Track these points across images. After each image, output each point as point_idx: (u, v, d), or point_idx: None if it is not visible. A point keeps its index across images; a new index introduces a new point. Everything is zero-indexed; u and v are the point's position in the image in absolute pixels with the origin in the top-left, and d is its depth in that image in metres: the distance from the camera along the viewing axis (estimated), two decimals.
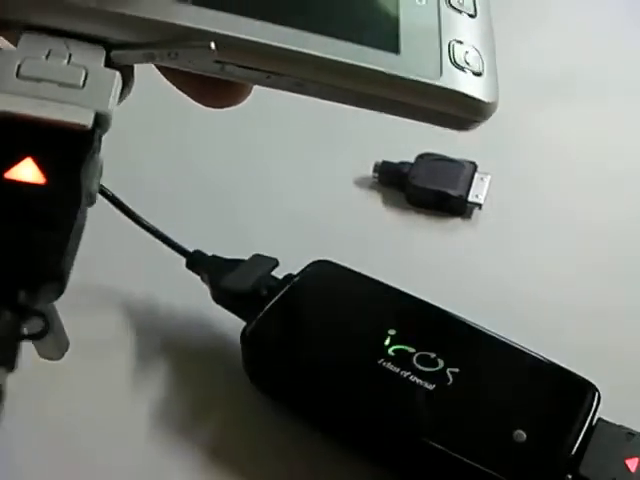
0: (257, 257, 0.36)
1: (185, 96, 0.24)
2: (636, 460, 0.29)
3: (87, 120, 0.18)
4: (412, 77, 0.22)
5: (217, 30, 0.20)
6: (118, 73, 0.19)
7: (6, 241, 0.17)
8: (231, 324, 0.36)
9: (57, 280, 0.17)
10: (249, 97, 0.24)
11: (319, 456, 0.33)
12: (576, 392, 0.31)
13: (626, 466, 0.29)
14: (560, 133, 0.47)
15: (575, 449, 0.29)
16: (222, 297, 0.36)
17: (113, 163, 0.46)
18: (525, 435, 0.29)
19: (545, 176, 0.45)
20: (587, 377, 0.32)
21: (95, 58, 0.19)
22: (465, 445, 0.29)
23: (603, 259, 0.41)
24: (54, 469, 0.33)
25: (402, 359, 0.32)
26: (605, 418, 0.30)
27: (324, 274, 0.36)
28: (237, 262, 0.36)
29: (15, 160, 0.17)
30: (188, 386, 0.36)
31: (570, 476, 0.29)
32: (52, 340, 0.22)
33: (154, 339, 0.37)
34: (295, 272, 0.35)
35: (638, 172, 0.45)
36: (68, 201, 0.18)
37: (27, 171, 0.17)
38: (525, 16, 0.56)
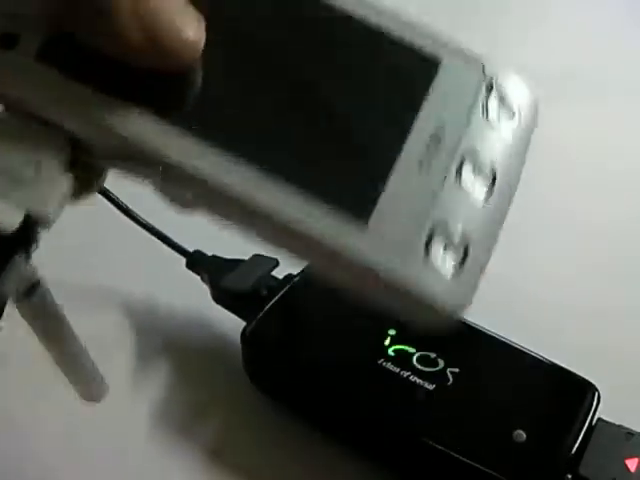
0: (257, 257, 0.36)
1: None
2: (636, 460, 0.29)
3: (9, 222, 0.17)
4: (366, 260, 0.18)
5: (171, 157, 0.18)
6: (70, 176, 0.19)
7: None
8: (231, 324, 0.36)
9: None
10: None
11: (319, 456, 0.33)
12: (576, 392, 0.31)
13: (626, 466, 0.29)
14: (560, 133, 0.47)
15: (575, 449, 0.29)
16: (222, 297, 0.36)
17: None
18: (525, 435, 0.29)
19: (545, 176, 0.45)
20: (587, 377, 0.32)
21: (56, 151, 0.18)
22: (465, 445, 0.29)
23: (603, 259, 0.41)
24: (54, 469, 0.33)
25: (402, 359, 0.32)
26: (605, 418, 0.30)
27: None
28: (237, 262, 0.36)
29: None
30: (188, 386, 0.36)
31: (570, 476, 0.29)
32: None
33: (154, 339, 0.37)
34: (295, 272, 0.35)
35: (638, 172, 0.45)
36: None
37: None
38: (525, 16, 0.56)
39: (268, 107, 0.19)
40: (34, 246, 0.18)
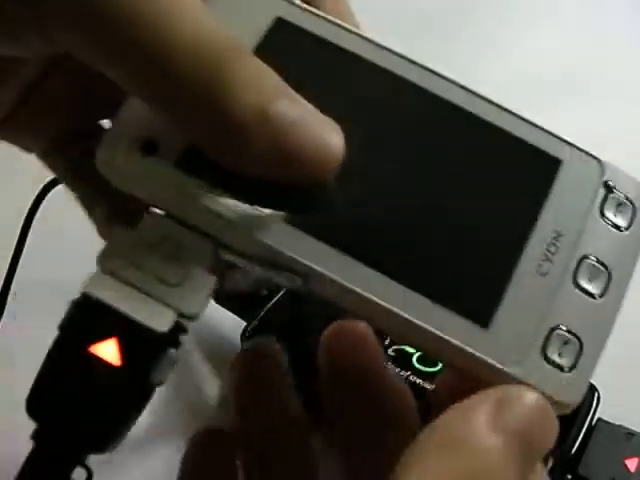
0: None
1: None
2: (636, 460, 0.29)
3: (162, 325, 0.19)
4: (487, 359, 0.19)
5: (312, 265, 0.19)
6: (215, 279, 0.19)
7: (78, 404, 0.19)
8: (231, 324, 0.36)
9: (98, 451, 0.20)
10: None
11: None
12: None
13: (626, 466, 0.29)
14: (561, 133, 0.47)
15: (575, 449, 0.29)
16: (222, 297, 0.36)
17: None
18: None
19: None
20: None
21: (205, 256, 0.19)
22: None
23: None
24: None
25: (402, 359, 0.32)
26: (605, 418, 0.30)
27: None
28: None
29: (101, 338, 0.19)
30: (188, 386, 0.36)
31: (570, 476, 0.29)
32: None
33: None
34: None
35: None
36: (131, 392, 0.19)
37: (109, 352, 0.19)
38: (524, 16, 0.56)
39: (396, 215, 0.20)
40: (180, 338, 0.20)
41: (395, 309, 0.19)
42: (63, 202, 0.35)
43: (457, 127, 0.21)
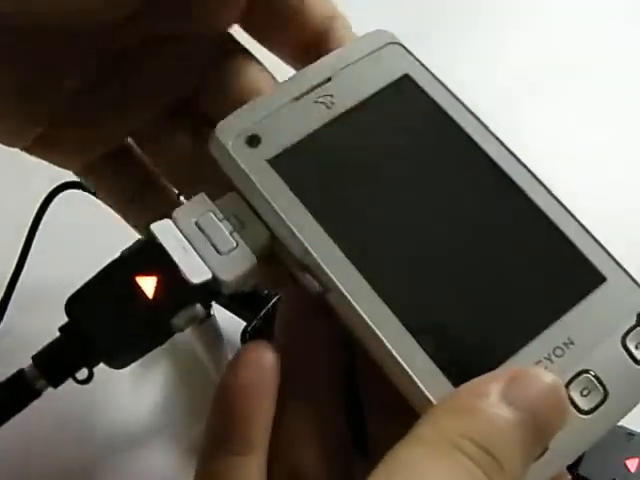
0: None
1: None
2: (636, 460, 0.29)
3: (197, 278, 0.22)
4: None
5: (332, 278, 0.21)
6: (255, 261, 0.22)
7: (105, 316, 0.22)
8: (231, 324, 0.36)
9: (107, 361, 0.23)
10: None
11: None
12: None
13: (626, 466, 0.29)
14: (552, 125, 0.47)
15: None
16: (222, 297, 0.36)
17: None
18: None
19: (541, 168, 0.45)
20: None
21: (258, 241, 0.23)
22: None
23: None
24: (54, 468, 0.33)
25: None
26: None
27: None
28: None
29: (148, 272, 0.22)
30: (188, 386, 0.36)
31: (570, 476, 0.29)
32: None
33: None
34: None
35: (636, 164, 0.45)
36: (152, 324, 0.22)
37: (148, 285, 0.22)
38: (517, 11, 0.56)
39: (431, 270, 0.22)
40: (213, 300, 0.23)
41: (390, 346, 0.21)
42: (68, 205, 0.35)
43: (518, 212, 0.23)
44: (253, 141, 0.23)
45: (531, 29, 0.54)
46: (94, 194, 0.35)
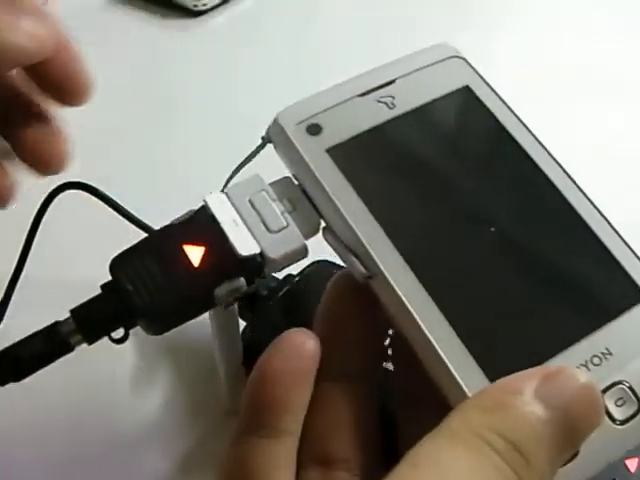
0: None
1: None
2: (636, 460, 0.29)
3: (243, 252, 0.23)
4: None
5: (380, 266, 0.22)
6: (304, 242, 0.23)
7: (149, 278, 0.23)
8: None
9: (147, 324, 0.23)
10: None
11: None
12: None
13: (626, 466, 0.29)
14: (560, 129, 0.47)
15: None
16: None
17: (116, 169, 0.46)
18: None
19: None
20: None
21: (308, 224, 0.24)
22: None
23: None
24: (54, 468, 0.33)
25: None
26: None
27: (324, 274, 0.36)
28: None
29: (196, 242, 0.23)
30: (188, 386, 0.36)
31: None
32: None
33: (154, 339, 0.37)
34: (295, 272, 0.35)
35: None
36: (194, 291, 0.23)
37: (195, 254, 0.23)
38: (533, 15, 0.56)
39: (477, 270, 0.23)
40: (256, 277, 0.24)
41: (429, 335, 0.21)
42: (68, 206, 0.35)
43: (568, 226, 0.23)
44: (314, 129, 0.24)
45: (528, 32, 0.54)
46: (95, 194, 0.36)
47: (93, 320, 0.23)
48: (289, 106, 0.25)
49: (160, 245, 0.23)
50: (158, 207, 0.41)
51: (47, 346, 0.23)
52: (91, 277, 0.37)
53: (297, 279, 0.35)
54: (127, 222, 0.37)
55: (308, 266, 0.36)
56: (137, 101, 0.53)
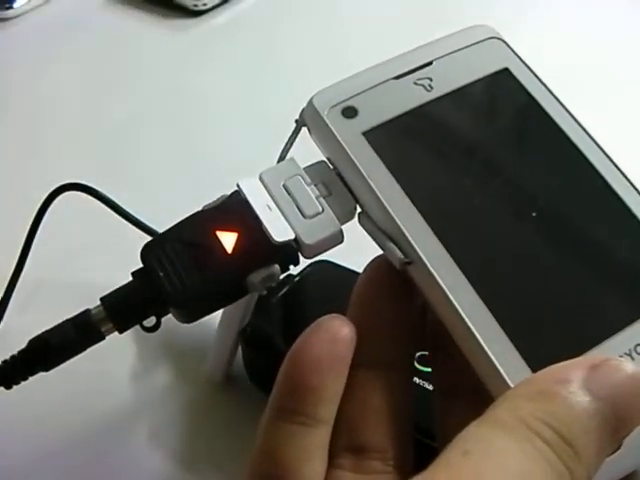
0: None
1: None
2: None
3: (278, 238, 0.22)
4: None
5: (419, 252, 0.21)
6: (340, 228, 0.23)
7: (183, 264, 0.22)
8: None
9: (179, 312, 0.23)
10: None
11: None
12: None
13: None
14: None
15: None
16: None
17: (116, 169, 0.46)
18: None
19: None
20: None
21: (344, 209, 0.23)
22: None
23: None
24: (54, 467, 0.33)
25: None
26: None
27: (324, 274, 0.36)
28: None
29: (229, 228, 0.22)
30: (188, 386, 0.36)
31: None
32: None
33: (154, 339, 0.37)
34: (295, 272, 0.35)
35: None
36: (226, 278, 0.22)
37: (228, 240, 0.22)
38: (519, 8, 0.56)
39: (516, 260, 0.22)
40: (290, 264, 0.23)
41: (470, 323, 0.20)
42: (68, 206, 0.35)
43: (610, 212, 0.23)
44: (350, 112, 0.24)
45: (536, 25, 0.54)
46: (95, 196, 0.36)
47: (123, 307, 0.23)
48: (324, 89, 0.24)
49: (192, 231, 0.23)
50: (158, 208, 0.41)
51: (78, 334, 0.23)
52: (91, 277, 0.38)
53: (297, 279, 0.35)
54: (127, 223, 0.37)
55: (308, 266, 0.36)
56: (137, 101, 0.53)
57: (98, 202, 0.36)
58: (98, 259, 0.40)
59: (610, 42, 0.54)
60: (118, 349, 0.37)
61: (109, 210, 0.36)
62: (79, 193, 0.35)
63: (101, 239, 0.41)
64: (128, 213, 0.37)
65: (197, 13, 0.60)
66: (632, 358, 0.20)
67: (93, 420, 0.35)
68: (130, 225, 0.37)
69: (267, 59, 0.56)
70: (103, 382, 0.36)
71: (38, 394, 0.33)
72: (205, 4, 0.59)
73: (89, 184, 0.35)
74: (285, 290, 0.35)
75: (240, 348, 0.34)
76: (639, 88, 0.50)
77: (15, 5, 0.61)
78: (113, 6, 0.61)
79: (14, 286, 0.36)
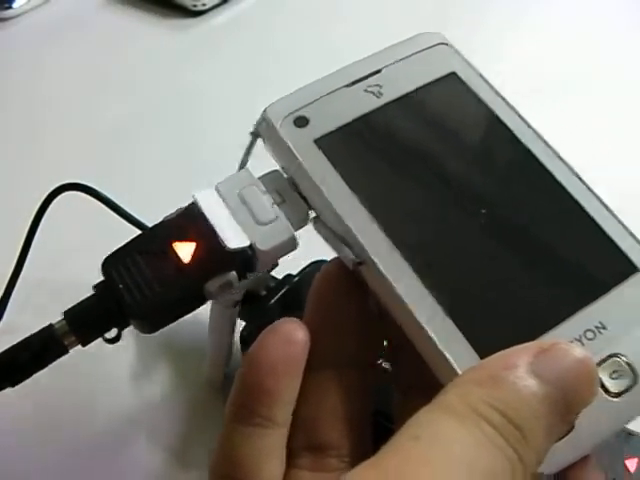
0: None
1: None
2: (635, 460, 0.29)
3: (232, 245, 0.23)
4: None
5: (369, 253, 0.22)
6: (294, 233, 0.23)
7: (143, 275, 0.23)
8: None
9: (140, 324, 0.23)
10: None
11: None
12: None
13: (626, 466, 0.29)
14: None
15: None
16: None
17: (116, 169, 0.46)
18: None
19: None
20: None
21: (298, 215, 0.24)
22: None
23: None
24: (54, 467, 0.33)
25: None
26: None
27: None
28: None
29: (186, 238, 0.23)
30: (187, 386, 0.36)
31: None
32: None
33: (154, 339, 0.37)
34: (294, 272, 0.35)
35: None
36: (185, 287, 0.23)
37: (185, 250, 0.23)
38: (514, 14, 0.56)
39: (464, 250, 0.23)
40: (247, 271, 0.23)
41: (417, 316, 0.21)
42: (68, 206, 0.35)
43: (557, 202, 0.23)
44: (301, 122, 0.24)
45: (535, 32, 0.54)
46: (94, 196, 0.36)
47: (85, 321, 0.23)
48: (276, 100, 0.25)
49: (150, 243, 0.23)
50: (157, 208, 0.41)
51: (42, 349, 0.23)
52: (90, 277, 0.37)
53: (297, 279, 0.35)
54: (126, 223, 0.37)
55: (307, 266, 0.36)
56: (136, 101, 0.53)
57: (97, 202, 0.36)
58: (97, 259, 0.40)
59: (610, 42, 0.54)
60: (118, 349, 0.37)
61: (108, 210, 0.36)
62: (78, 193, 0.35)
63: (100, 239, 0.41)
64: (127, 213, 0.37)
65: (197, 13, 0.60)
66: (582, 344, 0.21)
67: (93, 420, 0.35)
68: (129, 225, 0.37)
69: (266, 59, 0.56)
70: (103, 382, 0.36)
71: (38, 394, 0.33)
72: (205, 4, 0.59)
73: (88, 184, 0.35)
74: (284, 290, 0.35)
75: (240, 348, 0.34)
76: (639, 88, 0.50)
77: (14, 5, 0.61)
78: (113, 6, 0.61)
79: (14, 285, 0.36)
